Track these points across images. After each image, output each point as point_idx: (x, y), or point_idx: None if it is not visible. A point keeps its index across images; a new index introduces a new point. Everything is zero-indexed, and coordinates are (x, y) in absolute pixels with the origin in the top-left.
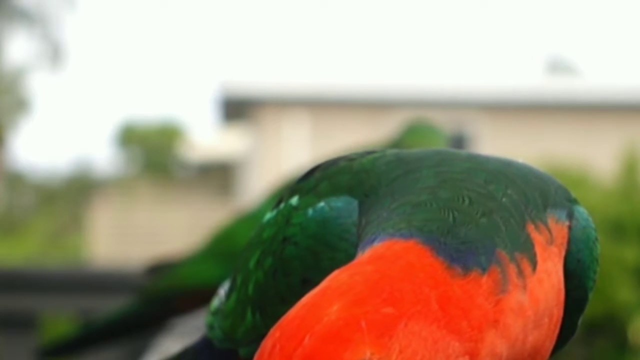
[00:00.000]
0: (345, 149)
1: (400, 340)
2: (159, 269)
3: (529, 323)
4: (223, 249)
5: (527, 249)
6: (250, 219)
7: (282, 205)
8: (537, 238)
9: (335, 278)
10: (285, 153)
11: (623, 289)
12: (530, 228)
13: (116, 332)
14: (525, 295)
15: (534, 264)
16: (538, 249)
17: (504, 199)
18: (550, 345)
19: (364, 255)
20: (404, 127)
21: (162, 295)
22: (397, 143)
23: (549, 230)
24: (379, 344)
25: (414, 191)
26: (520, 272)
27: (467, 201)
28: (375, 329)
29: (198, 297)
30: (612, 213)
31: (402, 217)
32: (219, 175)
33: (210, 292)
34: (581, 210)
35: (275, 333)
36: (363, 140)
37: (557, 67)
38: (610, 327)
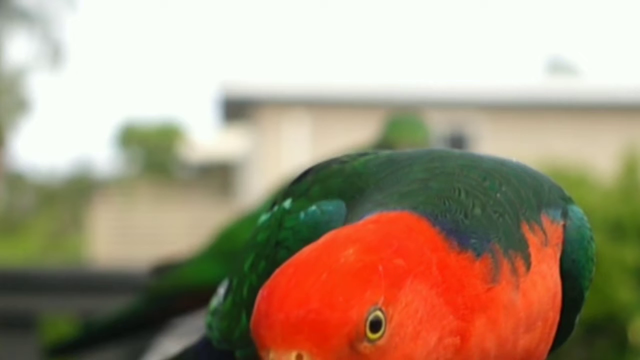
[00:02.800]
0: (340, 152)
1: (406, 295)
2: (164, 269)
3: (520, 326)
4: (225, 249)
5: (521, 248)
6: (252, 218)
7: (275, 208)
8: (532, 239)
9: (341, 231)
10: (285, 153)
11: (623, 289)
12: (525, 228)
13: (120, 332)
14: (518, 295)
15: (528, 265)
16: (532, 250)
17: (498, 195)
18: (545, 348)
19: (358, 222)
20: (386, 123)
21: (165, 294)
22: (382, 140)
23: (544, 231)
24: (391, 293)
25: (403, 183)
26: (514, 270)
27: (460, 193)
28: (390, 276)
29: (201, 297)
30: (612, 213)
31: (391, 203)
32: (219, 175)
33: (212, 292)
34: (575, 210)
35: (287, 270)
36: (351, 142)
37: (557, 67)
38: (610, 327)
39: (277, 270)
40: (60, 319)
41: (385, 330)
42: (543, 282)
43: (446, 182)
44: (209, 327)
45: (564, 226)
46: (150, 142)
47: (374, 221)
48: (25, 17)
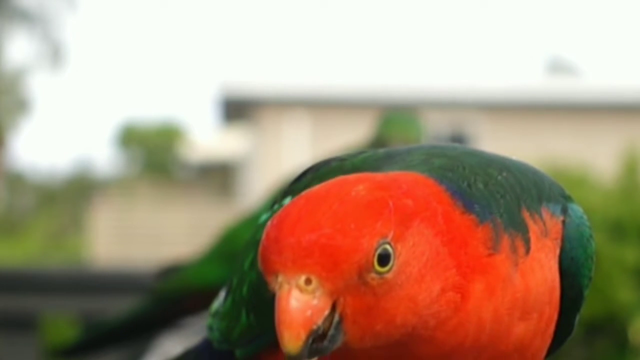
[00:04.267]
0: (337, 152)
1: (413, 235)
2: (169, 272)
3: (517, 307)
4: (227, 251)
5: (521, 230)
6: (254, 220)
7: (275, 207)
8: (532, 226)
9: (350, 174)
10: (286, 153)
11: (623, 289)
12: (525, 214)
13: (127, 333)
14: (517, 274)
15: (527, 248)
16: (532, 236)
17: (499, 178)
18: (541, 344)
19: None
20: (380, 121)
21: (170, 296)
22: (375, 137)
23: (544, 223)
24: (400, 230)
25: (403, 163)
26: (514, 248)
27: (462, 169)
28: (400, 213)
29: (205, 298)
30: (612, 213)
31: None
32: (219, 175)
33: (216, 293)
34: (575, 208)
35: (298, 201)
36: (345, 143)
37: (557, 67)
38: (610, 327)
39: (287, 203)
40: (61, 319)
41: (393, 266)
42: (541, 271)
43: (448, 160)
44: (210, 328)
45: (563, 223)
46: (150, 142)
47: (381, 173)
48: (25, 17)
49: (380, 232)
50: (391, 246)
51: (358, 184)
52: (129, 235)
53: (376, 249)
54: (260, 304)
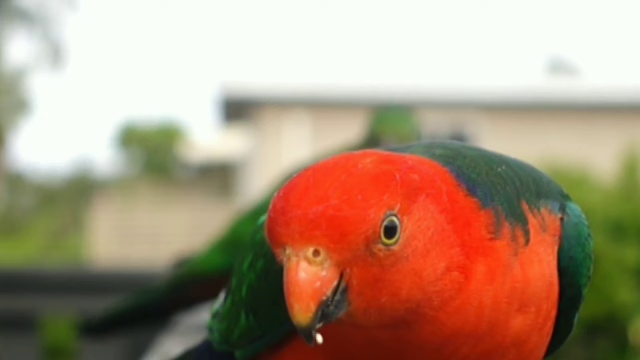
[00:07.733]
0: (334, 153)
1: (419, 210)
2: (185, 263)
3: (515, 298)
4: (230, 240)
5: (521, 221)
6: (258, 212)
7: None
8: (532, 219)
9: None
10: (286, 153)
11: (623, 289)
12: (525, 207)
13: (130, 321)
14: (516, 263)
15: (527, 239)
16: (532, 229)
17: (499, 170)
18: (539, 341)
19: None
20: (373, 118)
21: (180, 282)
22: (369, 135)
23: (543, 218)
24: (406, 204)
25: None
26: (514, 237)
27: (464, 158)
28: (406, 187)
29: (210, 284)
30: (613, 213)
31: None
32: (219, 175)
33: (219, 279)
34: (573, 207)
35: (305, 173)
36: (339, 143)
37: (557, 67)
38: (611, 327)
39: (294, 176)
40: (61, 319)
41: (400, 238)
42: (540, 265)
43: (449, 151)
44: (210, 330)
45: (562, 221)
46: (151, 142)
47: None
48: (25, 17)
49: (387, 204)
50: (398, 218)
51: (365, 157)
52: (129, 235)
53: (383, 221)
54: (259, 305)
